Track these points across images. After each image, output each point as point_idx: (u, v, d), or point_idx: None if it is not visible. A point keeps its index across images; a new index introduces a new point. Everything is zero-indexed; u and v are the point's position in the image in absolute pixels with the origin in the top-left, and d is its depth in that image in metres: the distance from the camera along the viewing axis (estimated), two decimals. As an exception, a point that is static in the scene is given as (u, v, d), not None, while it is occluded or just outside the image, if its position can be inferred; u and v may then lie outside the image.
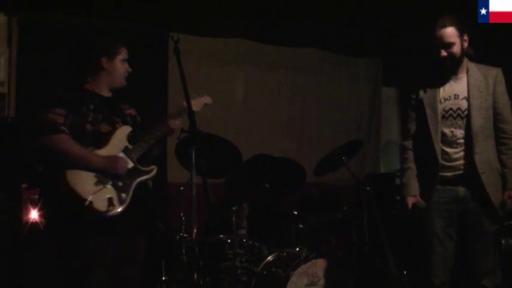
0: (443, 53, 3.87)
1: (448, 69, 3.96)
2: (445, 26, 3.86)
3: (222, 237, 5.03)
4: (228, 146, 5.25)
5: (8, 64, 5.75)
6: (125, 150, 3.72)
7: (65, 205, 3.46)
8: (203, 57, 6.70)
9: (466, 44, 3.91)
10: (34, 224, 4.86)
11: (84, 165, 3.52)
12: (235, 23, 6.64)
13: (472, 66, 3.96)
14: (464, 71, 3.96)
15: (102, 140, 3.68)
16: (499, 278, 3.91)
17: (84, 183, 3.49)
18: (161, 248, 5.13)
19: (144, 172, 3.75)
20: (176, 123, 3.90)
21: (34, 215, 4.86)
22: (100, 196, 3.50)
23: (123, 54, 3.82)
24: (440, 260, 3.91)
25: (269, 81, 7.19)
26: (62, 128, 3.51)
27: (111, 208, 3.52)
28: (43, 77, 5.71)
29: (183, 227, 5.06)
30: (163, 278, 5.01)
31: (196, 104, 3.97)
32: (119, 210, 3.54)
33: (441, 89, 3.97)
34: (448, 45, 3.86)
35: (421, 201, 3.93)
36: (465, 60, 3.96)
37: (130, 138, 3.77)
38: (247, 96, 7.06)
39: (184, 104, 3.77)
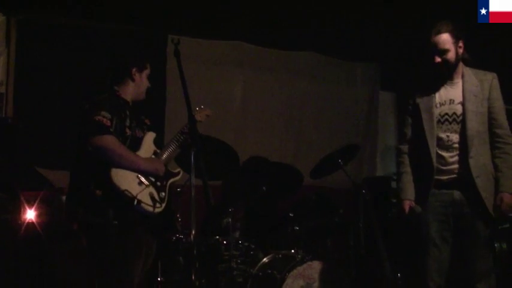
0: (438, 59, 3.92)
1: (443, 75, 4.00)
2: (440, 32, 3.90)
3: (218, 239, 5.04)
4: (226, 148, 5.27)
5: (6, 64, 5.75)
6: (155, 154, 4.06)
7: (114, 203, 3.68)
8: (202, 59, 6.71)
9: (461, 51, 3.94)
10: (30, 225, 4.88)
11: (131, 166, 3.80)
12: (234, 26, 6.65)
13: (468, 71, 3.99)
14: (460, 76, 3.99)
15: (137, 144, 3.98)
16: (494, 282, 3.94)
17: (130, 182, 3.76)
18: (157, 249, 5.14)
19: (174, 174, 4.14)
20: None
21: (30, 215, 4.89)
22: (145, 195, 3.79)
23: (149, 69, 4.11)
24: (435, 264, 3.94)
25: (267, 84, 7.19)
26: (111, 130, 3.75)
27: (157, 206, 3.83)
28: (41, 77, 5.73)
29: (179, 228, 5.07)
30: (159, 279, 5.01)
31: (200, 116, 4.37)
32: (162, 207, 3.88)
33: (437, 94, 4.01)
34: (443, 52, 3.90)
35: (417, 206, 3.97)
36: (461, 65, 3.99)
37: (156, 143, 4.10)
38: (245, 99, 7.06)
39: (194, 113, 4.12)
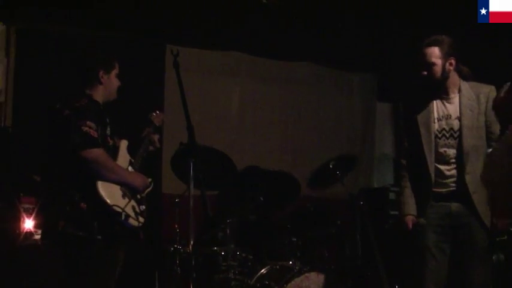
0: (423, 72, 3.93)
1: (429, 89, 4.01)
2: (429, 45, 3.92)
3: (215, 249, 5.04)
4: (223, 158, 5.27)
5: (5, 73, 5.76)
6: (131, 164, 3.97)
7: (99, 217, 3.60)
8: (199, 69, 6.73)
9: (450, 68, 3.93)
10: (28, 234, 4.87)
11: (119, 180, 3.72)
12: (232, 36, 6.67)
13: (466, 86, 4.00)
14: (457, 91, 4.00)
15: (115, 153, 3.89)
16: (491, 293, 3.96)
17: (116, 196, 3.68)
18: (154, 260, 5.15)
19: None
20: (156, 137, 4.24)
21: (29, 224, 4.88)
22: (130, 209, 3.71)
23: (117, 68, 3.97)
24: (433, 275, 3.95)
25: (264, 94, 7.21)
26: (99, 141, 3.65)
27: (141, 220, 3.78)
28: (40, 86, 5.73)
29: (177, 238, 5.07)
30: (157, 290, 5.02)
31: (158, 119, 4.31)
32: (143, 221, 3.81)
33: (435, 109, 4.02)
34: (428, 65, 3.91)
35: (421, 219, 3.97)
36: (458, 80, 4.00)
37: (129, 151, 4.00)
38: (242, 109, 7.08)
39: (152, 118, 4.24)
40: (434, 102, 4.03)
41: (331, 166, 5.22)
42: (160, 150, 4.93)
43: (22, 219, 4.84)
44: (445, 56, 3.90)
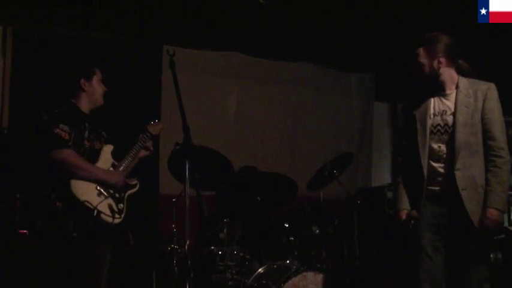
0: (416, 71, 3.98)
1: (427, 86, 4.03)
2: (418, 45, 3.98)
3: (213, 249, 5.04)
4: (220, 158, 5.28)
5: (2, 74, 5.76)
6: (113, 166, 4.15)
7: (74, 215, 3.78)
8: (197, 70, 6.72)
9: (440, 66, 3.94)
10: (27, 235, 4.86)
11: (91, 177, 3.89)
12: (229, 36, 6.67)
13: (464, 82, 3.98)
14: (454, 87, 4.00)
15: (95, 156, 4.07)
16: (488, 293, 3.95)
17: (89, 193, 3.85)
18: (152, 260, 5.15)
19: (131, 186, 4.23)
20: (150, 143, 4.39)
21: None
22: (104, 206, 3.88)
23: (98, 74, 4.17)
24: (429, 274, 3.92)
25: (262, 95, 7.21)
26: (69, 143, 3.84)
27: (117, 216, 3.92)
28: (37, 88, 5.72)
29: (174, 238, 5.07)
30: (154, 290, 5.03)
31: (155, 129, 4.46)
32: (121, 218, 3.98)
33: (431, 105, 4.02)
34: (418, 64, 3.97)
35: (413, 211, 3.96)
36: (455, 76, 4.00)
37: (113, 155, 4.19)
38: (240, 109, 7.08)
39: (148, 127, 4.37)
40: (432, 99, 4.04)
41: (328, 167, 5.24)
42: (157, 150, 4.96)
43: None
44: (431, 55, 3.93)
